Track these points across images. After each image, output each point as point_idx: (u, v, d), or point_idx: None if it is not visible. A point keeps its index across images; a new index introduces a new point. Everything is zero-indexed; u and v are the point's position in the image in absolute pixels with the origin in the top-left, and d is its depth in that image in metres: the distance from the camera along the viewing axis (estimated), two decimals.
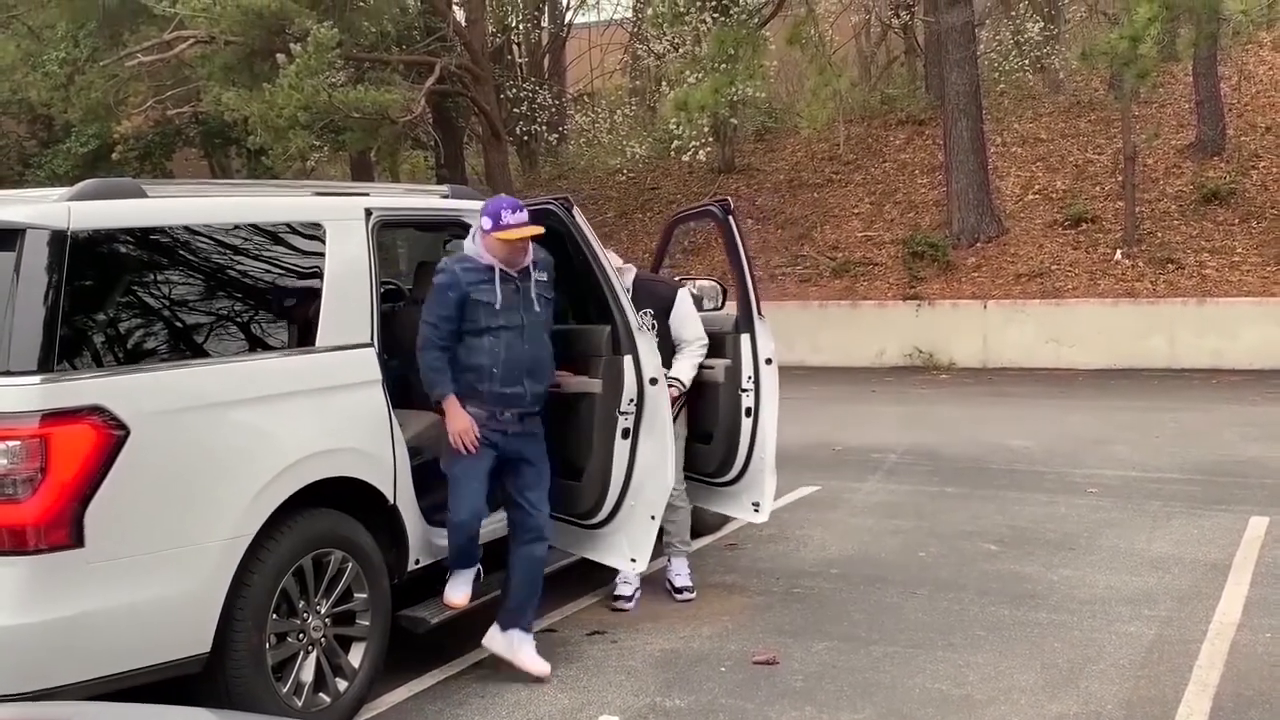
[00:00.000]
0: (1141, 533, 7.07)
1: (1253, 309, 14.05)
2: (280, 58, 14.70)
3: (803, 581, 6.31)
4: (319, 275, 4.75)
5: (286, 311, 4.67)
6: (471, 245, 4.94)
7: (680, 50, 17.85)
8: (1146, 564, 6.44)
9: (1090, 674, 4.94)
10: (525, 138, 22.44)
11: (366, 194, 5.31)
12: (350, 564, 4.71)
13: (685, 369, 5.86)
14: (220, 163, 22.76)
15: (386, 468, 4.83)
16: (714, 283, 6.78)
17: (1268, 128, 17.39)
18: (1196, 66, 17.11)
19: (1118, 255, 15.70)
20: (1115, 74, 16.71)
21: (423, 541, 5.07)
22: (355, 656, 4.76)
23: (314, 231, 4.79)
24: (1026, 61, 20.62)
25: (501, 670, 5.16)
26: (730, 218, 5.98)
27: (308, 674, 4.54)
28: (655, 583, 6.45)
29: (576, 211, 5.22)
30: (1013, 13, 21.17)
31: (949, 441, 10.16)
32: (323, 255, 4.78)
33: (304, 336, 4.67)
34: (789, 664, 5.16)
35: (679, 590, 6.09)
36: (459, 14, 19.44)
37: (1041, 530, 7.19)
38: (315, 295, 4.72)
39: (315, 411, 4.59)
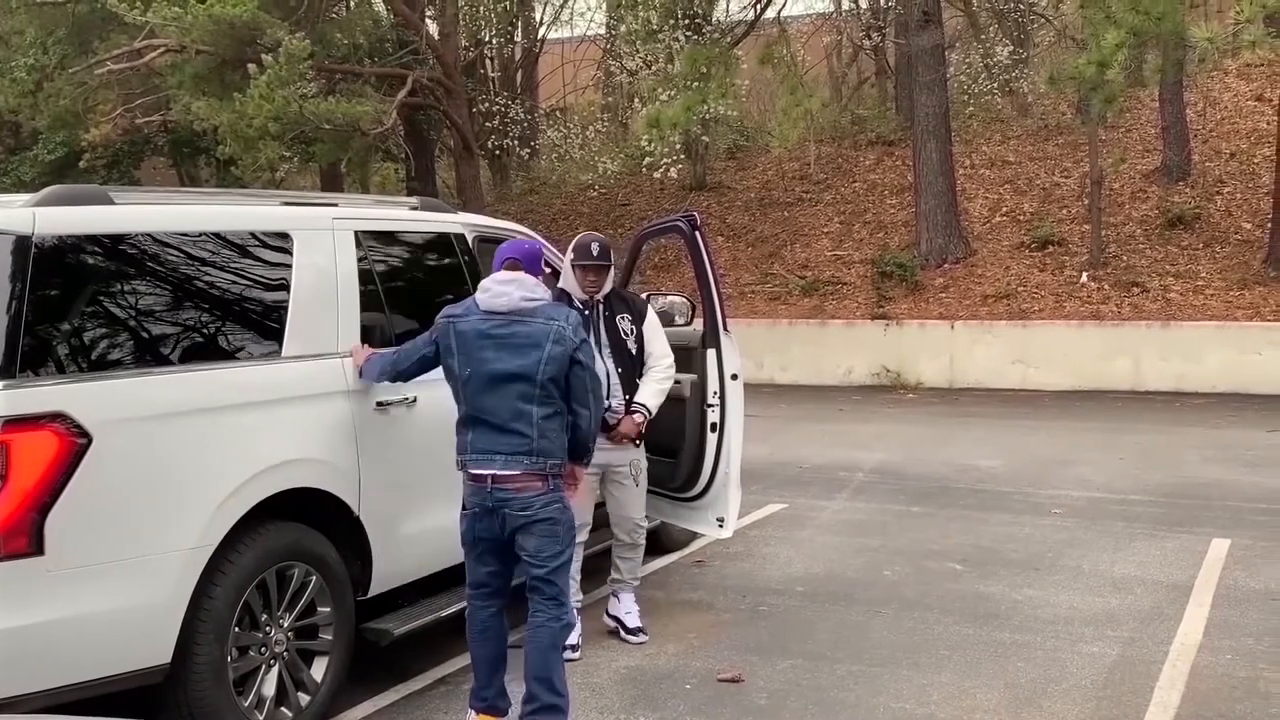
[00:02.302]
0: (1105, 553, 7.11)
1: (1216, 333, 14.21)
2: (251, 68, 14.64)
3: (768, 599, 6.31)
4: (286, 285, 4.72)
5: (253, 321, 4.63)
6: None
7: (653, 67, 17.93)
8: (1109, 585, 6.48)
9: (1052, 694, 4.96)
10: (497, 152, 22.42)
11: (335, 204, 5.29)
12: (314, 577, 4.67)
13: (651, 395, 5.58)
14: (189, 172, 22.60)
15: (351, 480, 4.80)
16: (683, 299, 6.78)
17: (1232, 154, 17.63)
18: (1163, 93, 17.34)
19: (1084, 278, 15.85)
20: (1083, 98, 16.89)
21: (389, 556, 5.03)
22: (318, 670, 4.72)
23: (281, 241, 4.77)
24: (995, 85, 20.83)
25: (465, 686, 5.12)
26: (697, 232, 5.96)
27: (269, 688, 4.50)
28: None
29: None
30: (982, 36, 21.38)
31: (915, 461, 10.20)
32: (290, 265, 4.75)
33: (270, 346, 4.64)
34: (754, 682, 5.15)
35: (631, 631, 5.72)
36: (432, 27, 19.42)
37: (1006, 550, 7.22)
38: (282, 305, 4.69)
39: (280, 422, 4.56)
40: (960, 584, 6.56)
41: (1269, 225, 15.36)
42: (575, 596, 5.33)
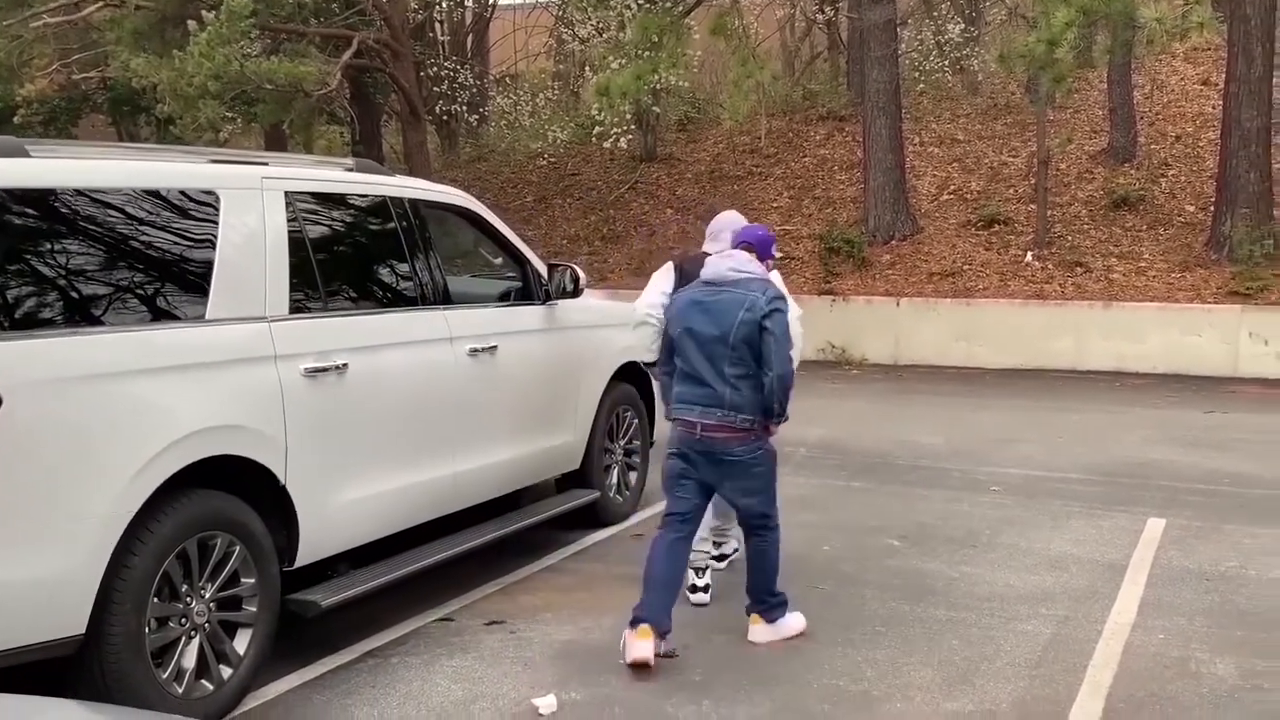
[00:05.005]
0: (1042, 531, 7.13)
1: (1157, 314, 14.33)
2: (192, 25, 14.26)
3: (706, 573, 6.24)
4: (212, 245, 4.57)
5: (176, 282, 4.47)
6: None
7: (604, 35, 17.73)
8: (1046, 563, 6.49)
9: (986, 672, 4.95)
10: (445, 118, 22.12)
11: (265, 163, 5.11)
12: (238, 547, 4.54)
13: None
14: (129, 131, 22.09)
15: (278, 447, 4.67)
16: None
17: (1177, 137, 17.77)
18: (1111, 74, 17.43)
19: (1028, 257, 15.92)
20: (1032, 78, 16.94)
21: (318, 525, 4.91)
22: (241, 643, 4.59)
23: (207, 199, 4.60)
24: (946, 62, 20.84)
25: (395, 659, 5.04)
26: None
27: (190, 660, 4.37)
28: (559, 571, 6.38)
29: None
30: (934, 13, 21.37)
31: (858, 436, 10.20)
32: (216, 224, 4.59)
33: (194, 309, 4.48)
34: (688, 656, 5.09)
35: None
36: None
37: (944, 527, 7.22)
38: (208, 266, 4.54)
39: (203, 386, 4.40)
40: (898, 560, 6.55)
41: (1211, 208, 15.51)
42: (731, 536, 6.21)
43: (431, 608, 5.69)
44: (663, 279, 5.98)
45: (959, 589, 6.04)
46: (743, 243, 5.35)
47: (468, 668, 4.99)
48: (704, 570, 5.87)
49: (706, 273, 5.17)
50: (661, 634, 4.98)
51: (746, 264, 5.16)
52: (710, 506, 5.63)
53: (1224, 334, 13.91)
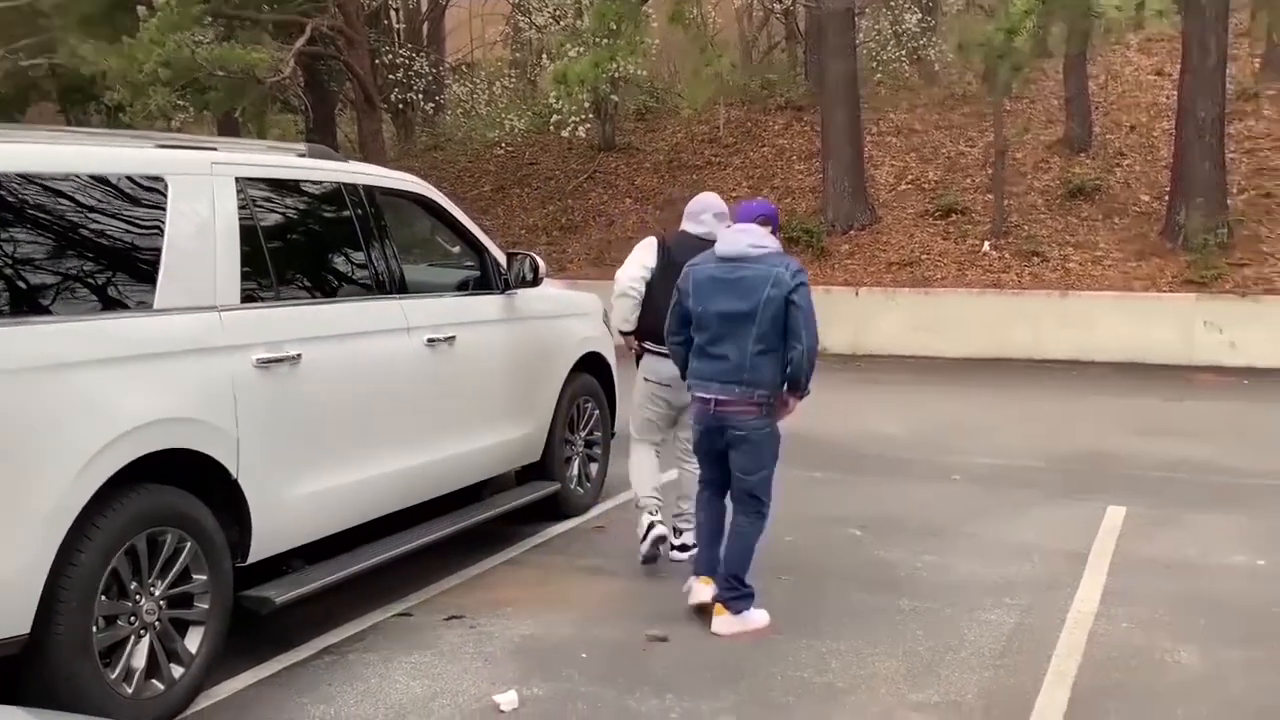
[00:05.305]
0: (1004, 521, 7.13)
1: (1113, 303, 14.41)
2: (142, 10, 14.01)
3: (669, 565, 6.17)
4: (160, 232, 4.43)
5: (123, 270, 4.33)
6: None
7: (561, 23, 17.60)
8: (1008, 552, 6.48)
9: (951, 663, 4.91)
10: (401, 106, 21.90)
11: (214, 148, 4.97)
12: (189, 543, 4.42)
13: None
14: (79, 118, 21.69)
15: (229, 441, 4.54)
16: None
17: (1132, 127, 17.88)
18: (1067, 64, 17.51)
19: (986, 247, 15.97)
20: (989, 68, 16.98)
21: (271, 520, 4.79)
22: (192, 641, 4.47)
23: (155, 185, 4.46)
24: (904, 52, 20.86)
25: (352, 656, 4.93)
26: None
27: (139, 659, 4.24)
28: (519, 564, 6.29)
29: None
30: (891, 3, 21.39)
31: (818, 427, 10.12)
32: (164, 211, 4.46)
33: (142, 298, 4.35)
34: (652, 649, 5.03)
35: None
36: None
37: (907, 517, 7.20)
38: (156, 254, 4.40)
39: (152, 379, 4.27)
40: (861, 550, 6.51)
41: (1166, 198, 15.62)
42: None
43: (390, 602, 5.58)
44: (644, 253, 6.07)
45: (922, 579, 6.01)
46: (758, 216, 5.40)
47: (427, 664, 4.89)
48: (681, 531, 6.20)
49: (723, 249, 5.20)
50: (715, 576, 5.32)
51: (764, 239, 5.21)
52: (679, 486, 6.02)
53: (1179, 322, 14.01)
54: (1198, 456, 8.87)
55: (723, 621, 5.22)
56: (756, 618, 5.29)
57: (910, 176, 17.95)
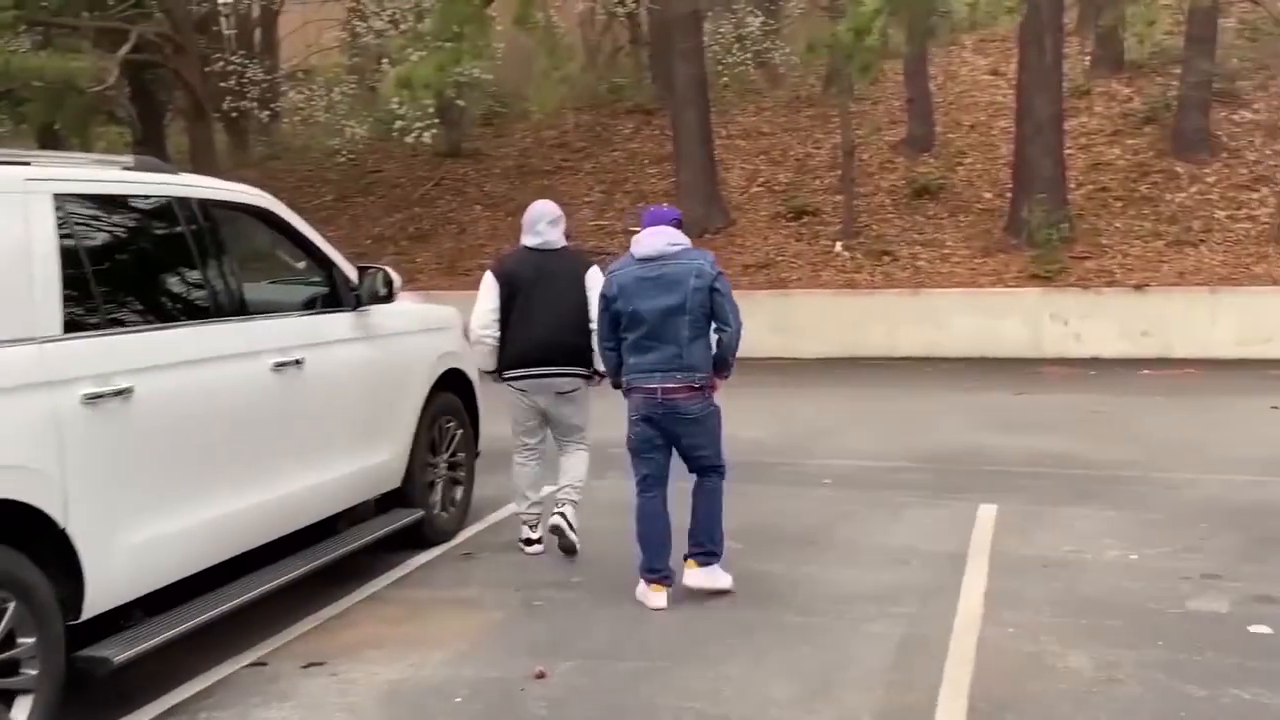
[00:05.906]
0: (879, 524, 7.03)
1: (962, 300, 14.65)
2: None
3: (543, 593, 5.89)
4: None
5: None
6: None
7: (401, 27, 17.10)
8: (886, 558, 6.37)
9: (843, 682, 4.73)
10: (234, 115, 21.01)
11: (27, 163, 4.47)
12: (12, 604, 3.95)
13: None
14: None
15: (55, 486, 4.08)
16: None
17: (972, 125, 18.28)
18: (908, 65, 17.79)
19: (837, 247, 16.08)
20: (833, 70, 17.12)
21: (107, 572, 4.33)
22: (20, 712, 3.99)
23: None
24: (748, 56, 20.92)
25: (202, 715, 4.50)
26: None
27: None
28: (382, 600, 5.90)
29: None
30: (734, 6, 21.45)
31: None
32: None
33: None
34: (532, 688, 4.71)
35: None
36: None
37: (781, 525, 7.04)
38: None
39: None
40: (740, 563, 6.27)
41: (1008, 195, 15.97)
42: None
43: (241, 652, 5.14)
44: (486, 296, 6.36)
45: (804, 592, 5.84)
46: (671, 220, 5.73)
47: (285, 718, 4.49)
48: (537, 525, 6.55)
49: (641, 250, 5.58)
50: (670, 583, 5.62)
51: (678, 237, 5.64)
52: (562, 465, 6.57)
53: (1026, 316, 14.32)
54: (1057, 450, 8.97)
55: (695, 575, 5.67)
56: (723, 579, 5.71)
57: (761, 179, 17.99)
